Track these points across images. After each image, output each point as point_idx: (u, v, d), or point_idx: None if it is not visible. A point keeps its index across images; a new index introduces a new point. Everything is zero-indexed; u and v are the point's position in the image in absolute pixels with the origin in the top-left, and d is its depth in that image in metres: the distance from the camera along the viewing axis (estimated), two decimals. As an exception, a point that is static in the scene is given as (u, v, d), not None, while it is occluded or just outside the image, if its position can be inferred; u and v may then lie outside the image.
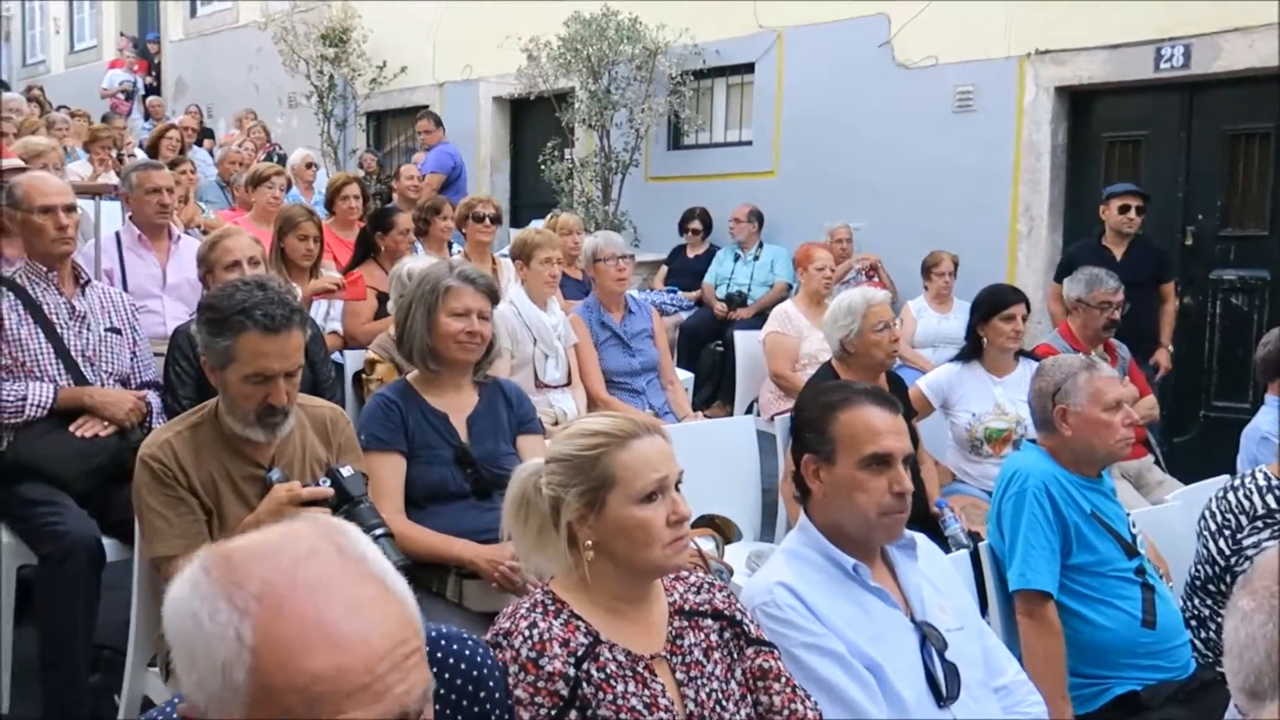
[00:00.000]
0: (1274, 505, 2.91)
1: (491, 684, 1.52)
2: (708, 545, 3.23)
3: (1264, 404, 3.95)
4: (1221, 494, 3.03)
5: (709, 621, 1.92)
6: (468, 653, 1.53)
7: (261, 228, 5.57)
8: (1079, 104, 6.95)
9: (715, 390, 7.04)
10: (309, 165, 8.90)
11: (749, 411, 5.68)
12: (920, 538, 2.32)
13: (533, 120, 10.31)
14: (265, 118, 12.06)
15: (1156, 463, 4.88)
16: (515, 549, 2.00)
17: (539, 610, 1.80)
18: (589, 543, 1.84)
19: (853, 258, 7.44)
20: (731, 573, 3.21)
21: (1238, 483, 3.02)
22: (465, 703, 1.43)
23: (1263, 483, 2.97)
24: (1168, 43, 6.31)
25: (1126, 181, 6.23)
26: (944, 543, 3.70)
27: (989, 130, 7.12)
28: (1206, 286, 6.47)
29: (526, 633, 1.73)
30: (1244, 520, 2.91)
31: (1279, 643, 1.30)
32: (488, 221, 5.73)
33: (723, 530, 4.00)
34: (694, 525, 3.43)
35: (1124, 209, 5.75)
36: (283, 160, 9.68)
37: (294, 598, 0.97)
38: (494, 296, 3.11)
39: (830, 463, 2.13)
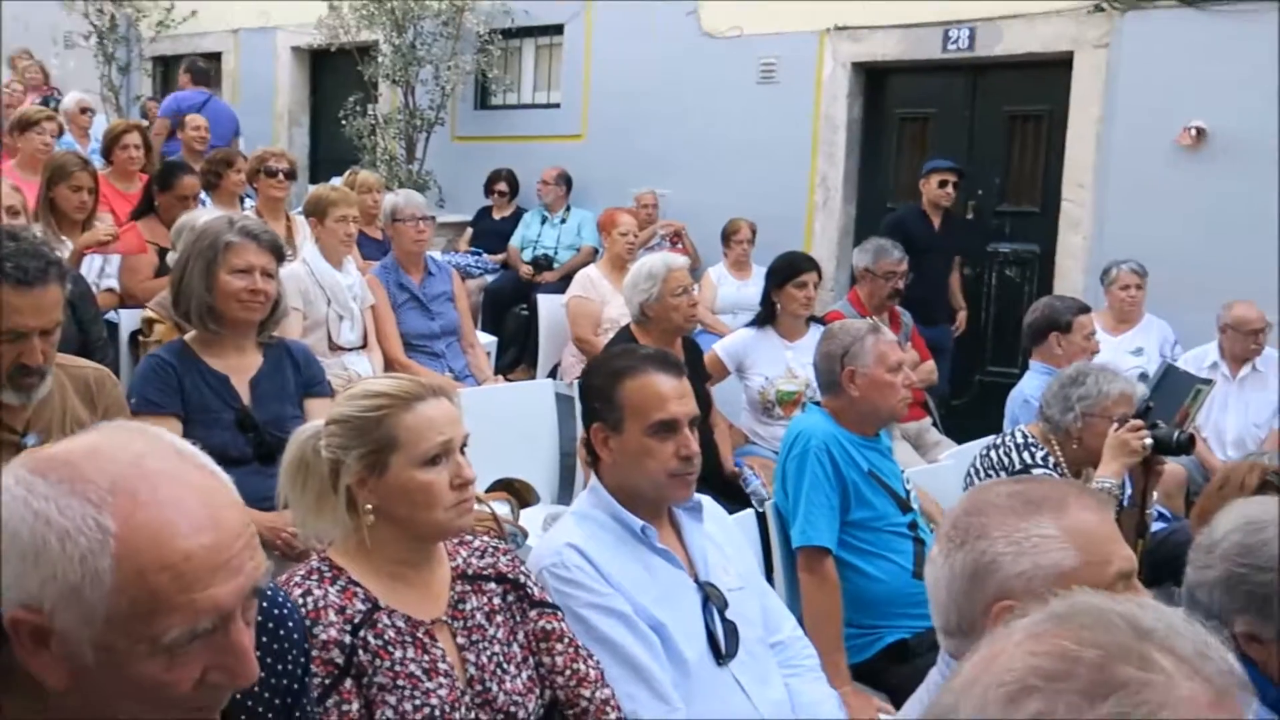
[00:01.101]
0: (1030, 461, 3.13)
1: (291, 624, 1.47)
2: (503, 509, 3.22)
3: (1029, 369, 4.25)
4: (985, 451, 3.24)
5: (492, 585, 1.91)
6: (268, 590, 1.47)
7: (28, 177, 5.17)
8: (874, 80, 7.23)
9: (520, 354, 7.01)
10: (84, 110, 8.28)
11: (552, 375, 5.68)
12: (707, 500, 2.37)
13: (334, 73, 9.93)
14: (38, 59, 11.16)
15: (934, 424, 5.17)
16: (292, 515, 1.94)
17: (314, 578, 1.75)
18: (369, 506, 1.79)
19: (657, 223, 7.52)
20: (526, 535, 3.20)
21: (999, 441, 3.24)
22: (264, 639, 1.39)
23: (1020, 441, 3.19)
24: (954, 25, 6.62)
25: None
26: (744, 502, 3.82)
27: (790, 102, 7.31)
28: (984, 259, 6.87)
29: (300, 600, 1.68)
30: (1003, 475, 3.12)
31: (950, 578, 1.43)
32: (281, 176, 5.49)
33: (521, 494, 4.00)
34: (490, 489, 3.43)
35: (942, 184, 6.10)
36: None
37: (149, 486, 1.04)
38: (279, 253, 2.98)
39: (618, 431, 2.15)
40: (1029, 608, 0.91)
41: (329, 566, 1.77)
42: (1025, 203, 6.77)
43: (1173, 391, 4.19)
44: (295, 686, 1.46)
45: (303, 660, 1.49)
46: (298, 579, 1.74)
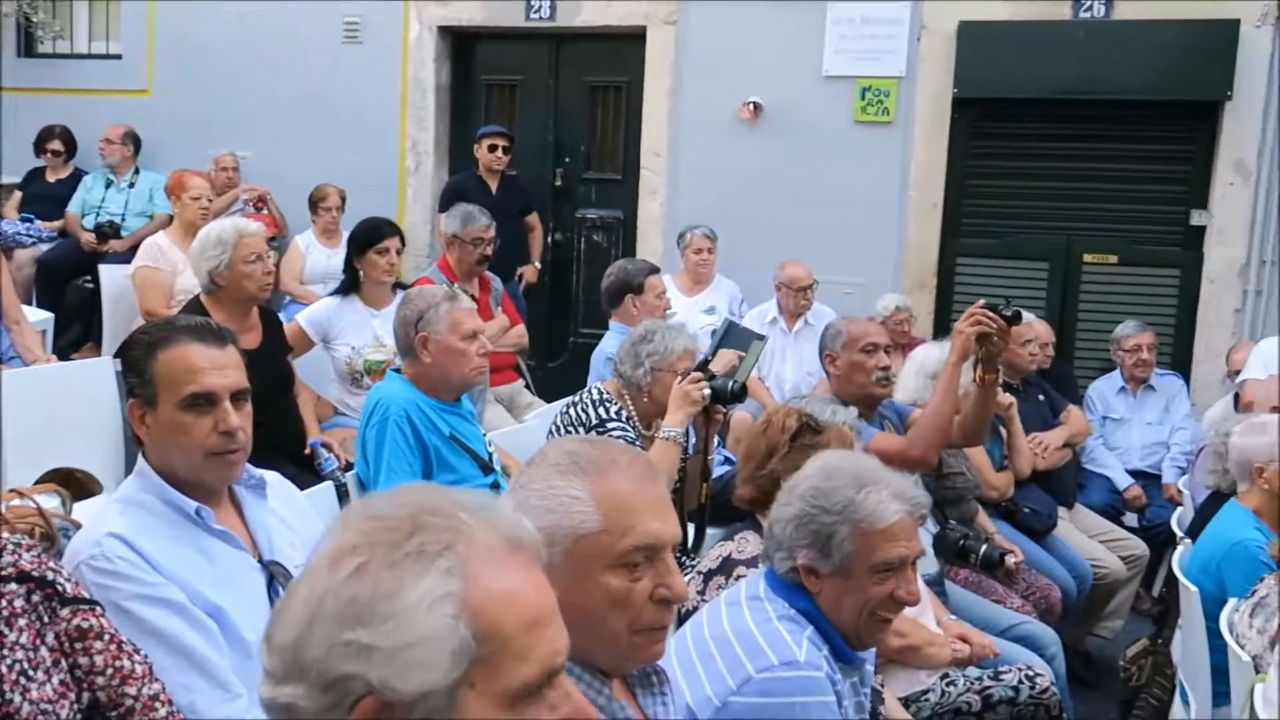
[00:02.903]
0: (605, 416, 3.29)
1: None
2: (51, 502, 2.91)
3: (609, 329, 4.46)
4: (565, 409, 3.37)
5: (13, 586, 1.71)
6: None
7: None
8: (462, 45, 7.22)
9: (85, 331, 6.36)
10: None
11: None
12: (272, 476, 2.26)
13: None
14: None
15: (527, 386, 5.30)
16: None
17: None
18: None
19: (240, 188, 7.08)
20: (79, 528, 2.92)
21: (578, 398, 3.37)
22: None
23: (596, 397, 3.34)
24: (536, -5, 6.77)
25: (504, 123, 6.67)
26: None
27: (377, 64, 7.13)
28: (573, 225, 7.12)
29: None
30: (581, 431, 3.25)
31: None
32: None
33: (84, 484, 3.64)
34: (39, 481, 3.08)
35: (492, 148, 6.32)
36: None
37: None
38: None
39: (152, 406, 1.99)
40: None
41: None
42: (609, 170, 7.07)
43: (734, 346, 4.57)
44: None
45: None
46: None
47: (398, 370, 3.10)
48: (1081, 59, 5.75)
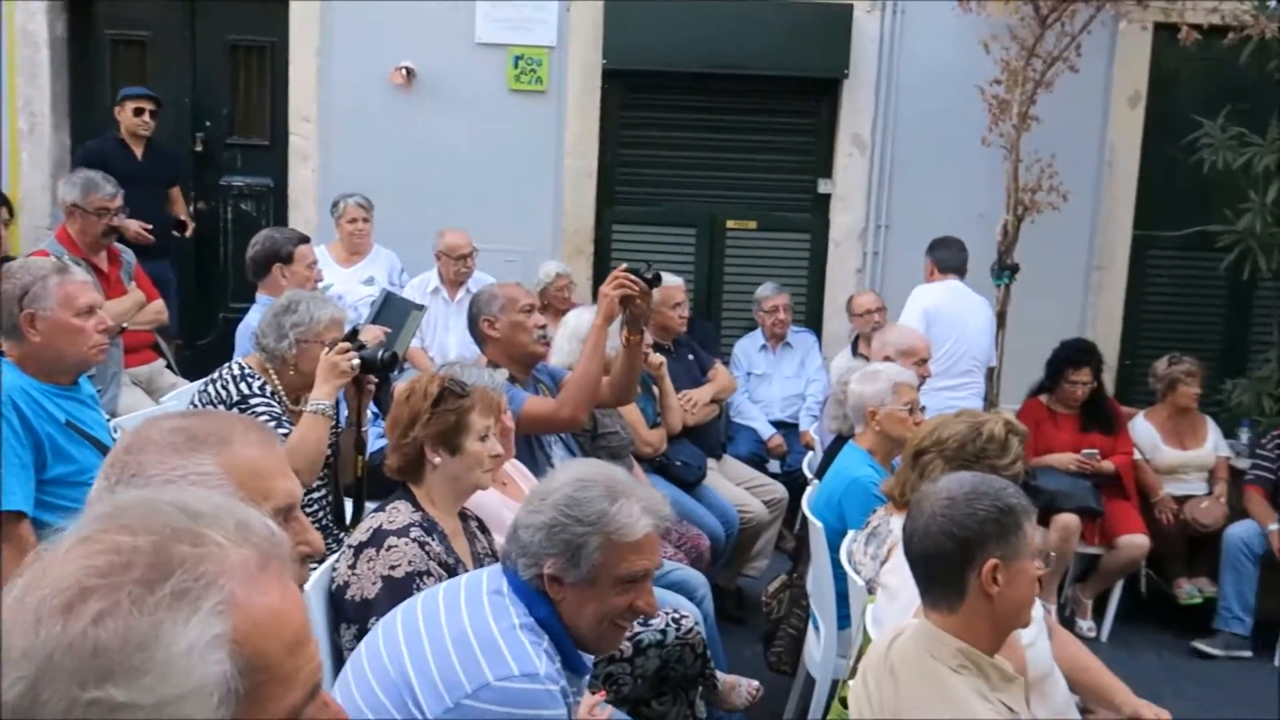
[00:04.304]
0: (247, 391, 3.13)
1: None
2: None
3: (256, 302, 4.24)
4: (203, 387, 3.18)
5: None
6: None
7: None
8: (79, -3, 6.57)
9: None
10: None
11: None
12: None
13: None
14: None
15: (169, 366, 4.95)
16: None
17: None
18: None
19: None
20: None
21: (217, 375, 3.19)
22: None
23: (237, 372, 3.18)
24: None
25: (136, 83, 6.15)
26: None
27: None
28: (219, 193, 6.69)
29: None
30: (223, 409, 3.08)
31: None
32: None
33: None
34: None
35: (138, 111, 5.88)
36: None
37: None
38: None
39: None
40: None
41: None
42: (255, 136, 6.69)
43: (392, 316, 4.51)
44: None
45: None
46: None
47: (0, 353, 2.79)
48: (718, 35, 6.09)
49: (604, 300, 3.31)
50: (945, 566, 1.91)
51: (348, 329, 3.31)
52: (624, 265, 3.38)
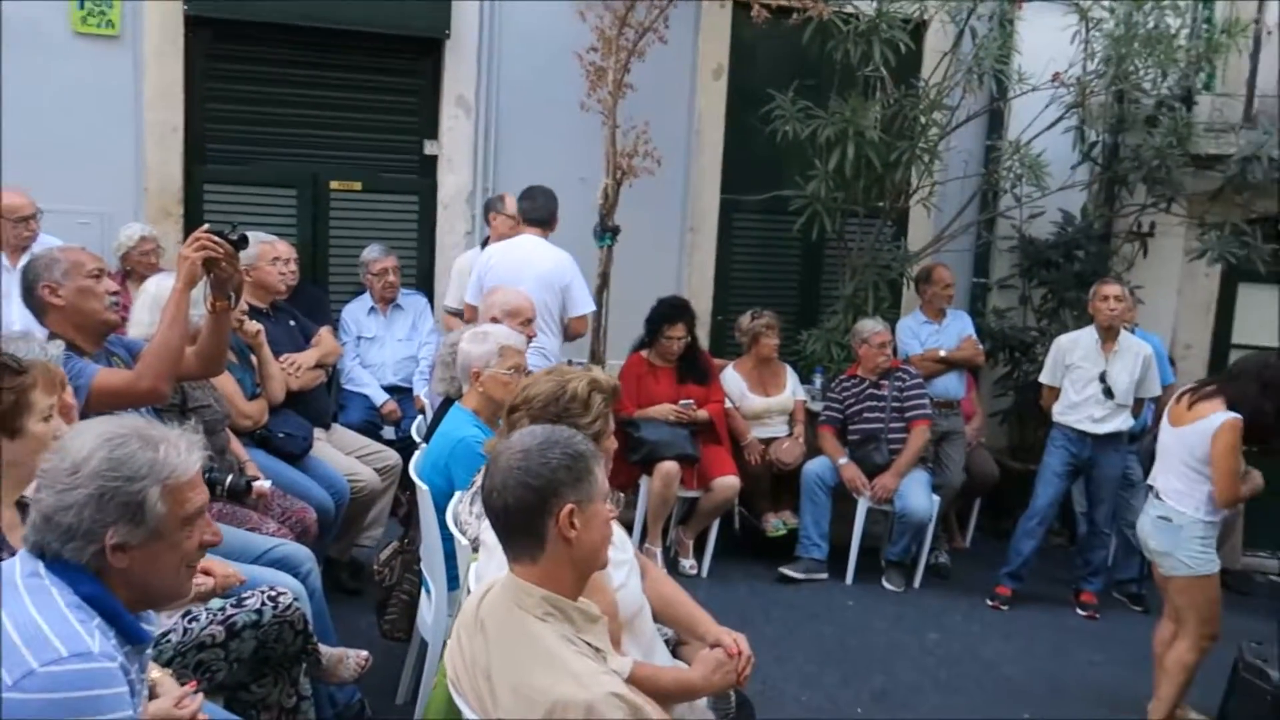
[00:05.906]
0: None
1: None
2: None
3: None
4: None
5: None
6: None
7: None
8: None
9: None
10: None
11: None
12: None
13: None
14: None
15: None
16: None
17: None
18: None
19: None
20: None
21: None
22: None
23: None
24: None
25: None
26: None
27: None
28: None
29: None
30: None
31: None
32: None
33: None
34: None
35: None
36: None
37: None
38: None
39: None
40: None
41: None
42: None
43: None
44: None
45: None
46: None
47: None
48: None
49: (184, 263, 3.06)
50: (526, 518, 1.96)
51: None
52: (206, 225, 3.15)
